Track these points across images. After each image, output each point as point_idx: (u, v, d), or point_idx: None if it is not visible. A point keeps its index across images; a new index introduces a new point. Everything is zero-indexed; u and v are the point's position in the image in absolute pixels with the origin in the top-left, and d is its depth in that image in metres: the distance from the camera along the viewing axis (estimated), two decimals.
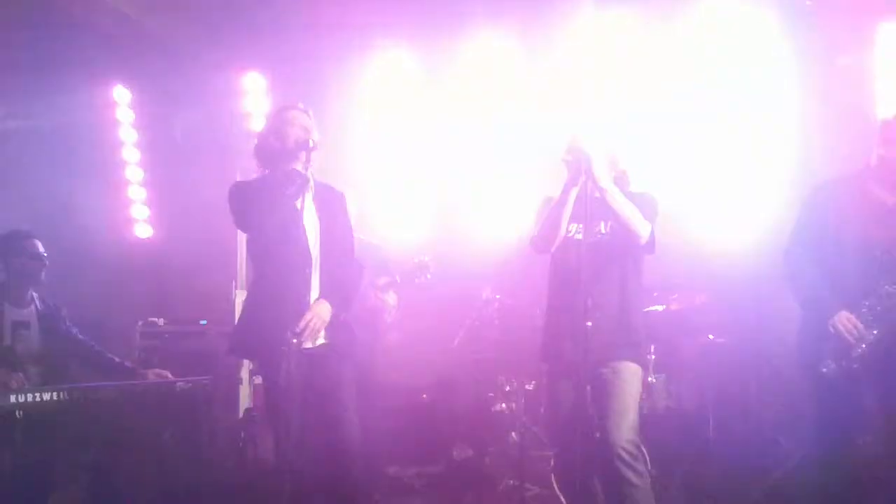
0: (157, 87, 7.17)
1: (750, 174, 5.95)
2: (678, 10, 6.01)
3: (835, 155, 4.95)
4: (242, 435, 6.18)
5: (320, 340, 3.80)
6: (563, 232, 3.75)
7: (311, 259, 3.78)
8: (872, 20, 5.67)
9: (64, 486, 4.71)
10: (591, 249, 3.50)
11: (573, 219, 3.74)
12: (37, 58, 6.86)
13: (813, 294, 3.88)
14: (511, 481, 5.45)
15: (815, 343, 3.84)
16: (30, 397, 3.90)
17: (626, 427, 3.62)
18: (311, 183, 3.85)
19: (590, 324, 3.34)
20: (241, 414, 6.48)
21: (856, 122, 5.20)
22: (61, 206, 7.86)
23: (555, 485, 4.80)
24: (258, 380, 6.76)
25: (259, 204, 3.77)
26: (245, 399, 6.77)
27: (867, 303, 3.77)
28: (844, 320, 3.75)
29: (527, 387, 5.42)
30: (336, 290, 3.84)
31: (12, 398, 3.84)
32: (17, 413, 3.82)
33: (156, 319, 6.72)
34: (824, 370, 3.78)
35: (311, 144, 3.72)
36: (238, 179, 4.29)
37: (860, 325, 3.75)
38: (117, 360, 4.91)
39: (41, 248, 4.75)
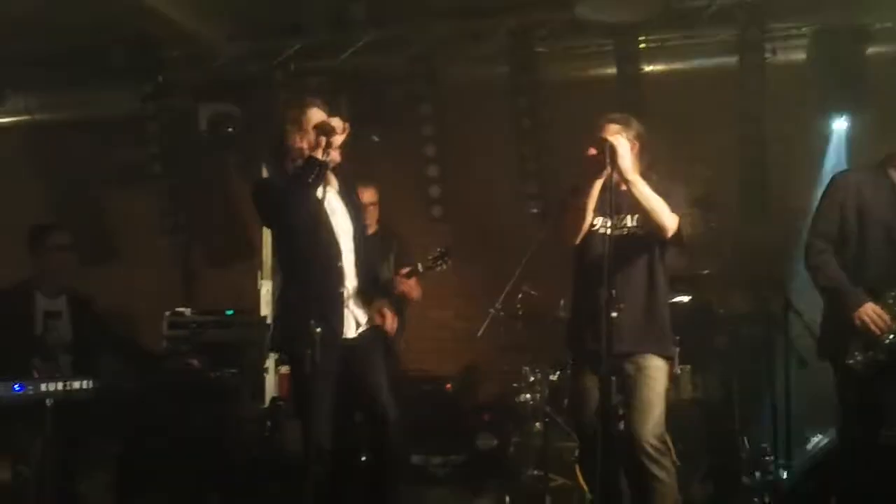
0: (184, 80, 7.21)
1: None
2: None
3: None
4: (268, 424, 6.25)
5: (362, 328, 3.85)
6: (588, 224, 3.73)
7: (340, 250, 3.80)
8: None
9: (93, 474, 4.80)
10: (618, 242, 3.50)
11: (599, 212, 3.72)
12: (70, 50, 6.95)
13: (837, 286, 3.85)
14: (534, 471, 5.46)
15: (841, 335, 3.81)
16: (60, 386, 3.95)
17: (651, 423, 3.62)
18: (334, 180, 3.88)
19: (615, 315, 3.31)
20: (267, 403, 6.55)
21: None
22: (92, 197, 8.00)
23: (578, 476, 4.81)
24: (284, 369, 6.84)
25: (282, 196, 3.76)
26: (271, 388, 6.85)
27: (893, 293, 3.75)
28: (870, 311, 3.72)
29: (551, 377, 5.43)
30: (371, 275, 3.92)
31: (43, 387, 3.90)
32: (47, 402, 3.87)
33: (183, 309, 6.79)
34: (850, 362, 3.76)
35: (331, 129, 3.70)
36: (263, 176, 4.30)
37: (886, 316, 3.72)
38: (146, 349, 4.98)
39: (68, 239, 4.81)
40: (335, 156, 3.75)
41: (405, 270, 5.01)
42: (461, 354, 7.15)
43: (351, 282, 3.81)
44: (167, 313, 6.79)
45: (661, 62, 6.48)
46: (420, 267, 5.07)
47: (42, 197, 7.88)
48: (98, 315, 4.96)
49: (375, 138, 6.13)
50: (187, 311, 6.80)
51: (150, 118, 7.16)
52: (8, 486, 4.08)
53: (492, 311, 5.36)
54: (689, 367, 5.20)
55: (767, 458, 4.94)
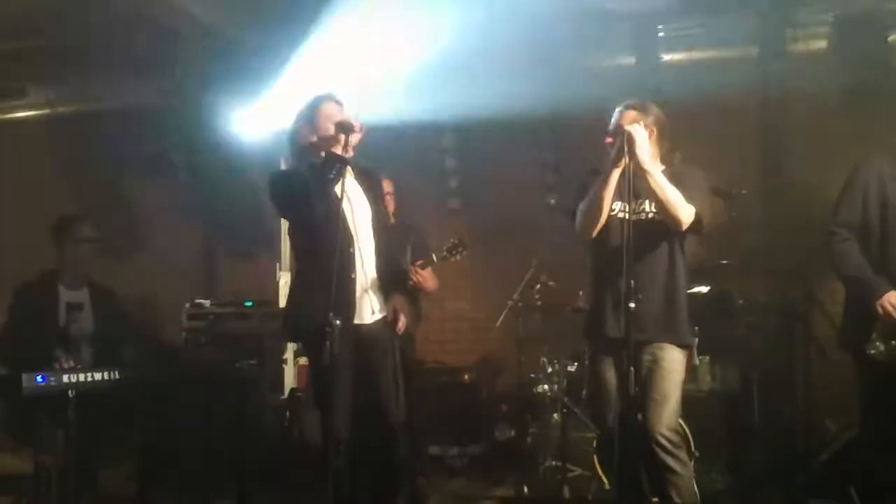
0: (201, 72, 7.22)
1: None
2: None
3: None
4: (288, 415, 6.30)
5: (377, 315, 3.87)
6: (606, 214, 3.69)
7: (354, 239, 3.82)
8: None
9: (114, 464, 4.85)
10: (636, 229, 3.45)
11: (617, 196, 3.68)
12: (90, 43, 6.98)
13: (859, 274, 3.82)
14: (552, 462, 5.46)
15: (862, 324, 3.77)
16: (82, 377, 3.99)
17: (666, 415, 3.59)
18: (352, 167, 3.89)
19: (633, 305, 3.29)
20: (286, 394, 6.58)
21: None
22: (113, 189, 8.05)
23: (597, 466, 4.81)
24: (303, 360, 6.87)
25: (301, 190, 3.78)
26: (290, 379, 6.88)
27: None
28: (894, 300, 3.69)
29: (569, 368, 5.42)
30: (390, 263, 3.96)
31: (65, 378, 3.94)
32: (69, 392, 3.91)
33: (203, 301, 6.82)
34: (872, 352, 3.72)
35: (351, 127, 3.73)
36: (279, 168, 4.32)
37: None
38: (167, 340, 5.01)
39: (93, 231, 4.84)
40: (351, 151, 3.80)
41: (419, 262, 5.01)
42: (479, 345, 7.16)
43: (370, 268, 3.86)
44: (187, 305, 6.83)
45: (680, 51, 6.42)
46: (435, 257, 5.07)
47: (63, 189, 7.94)
48: (120, 307, 5.01)
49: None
50: (207, 302, 6.84)
51: (170, 110, 7.18)
52: (31, 476, 4.13)
53: (510, 302, 5.34)
54: (707, 357, 5.17)
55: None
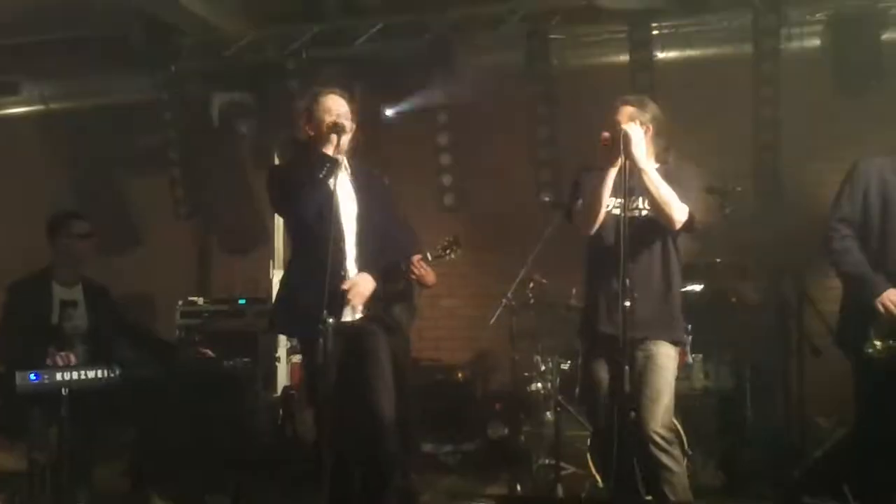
0: (196, 68, 7.22)
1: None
2: None
3: None
4: (281, 412, 6.30)
5: (359, 314, 3.84)
6: (602, 212, 3.69)
7: (343, 236, 3.81)
8: None
9: (107, 461, 4.84)
10: (630, 226, 3.44)
11: (613, 192, 3.67)
12: (84, 39, 6.97)
13: (859, 272, 3.81)
14: (546, 460, 5.47)
15: (860, 322, 3.78)
16: (76, 375, 3.98)
17: (659, 413, 3.60)
18: (346, 165, 3.89)
19: (628, 304, 3.30)
20: (279, 392, 6.58)
21: None
22: (107, 185, 8.03)
23: (591, 464, 4.82)
24: (296, 358, 6.87)
25: (294, 187, 3.81)
26: (283, 377, 6.88)
27: None
28: (894, 297, 3.69)
29: (562, 366, 5.42)
30: (375, 268, 3.88)
31: (59, 376, 3.93)
32: (63, 390, 3.90)
33: (196, 298, 6.83)
34: (869, 350, 3.72)
35: (343, 129, 3.73)
36: (276, 163, 4.32)
37: None
38: (162, 338, 5.00)
39: (87, 227, 4.82)
40: (347, 144, 3.81)
41: (418, 256, 5.00)
42: (472, 343, 7.17)
43: (351, 265, 3.84)
44: (180, 302, 6.84)
45: (674, 49, 6.44)
46: (430, 256, 5.05)
47: (57, 185, 7.93)
48: (114, 304, 4.98)
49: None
50: (200, 300, 6.85)
51: (165, 106, 7.17)
52: (24, 474, 4.12)
53: (504, 300, 5.34)
54: (700, 356, 5.18)
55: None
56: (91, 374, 4.04)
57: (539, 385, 5.48)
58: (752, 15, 6.08)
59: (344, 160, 3.89)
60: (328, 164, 3.71)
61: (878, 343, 3.71)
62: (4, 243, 7.30)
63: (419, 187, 6.76)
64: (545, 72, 6.51)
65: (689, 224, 3.65)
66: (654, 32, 6.29)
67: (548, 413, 5.63)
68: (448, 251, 4.91)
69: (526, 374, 5.59)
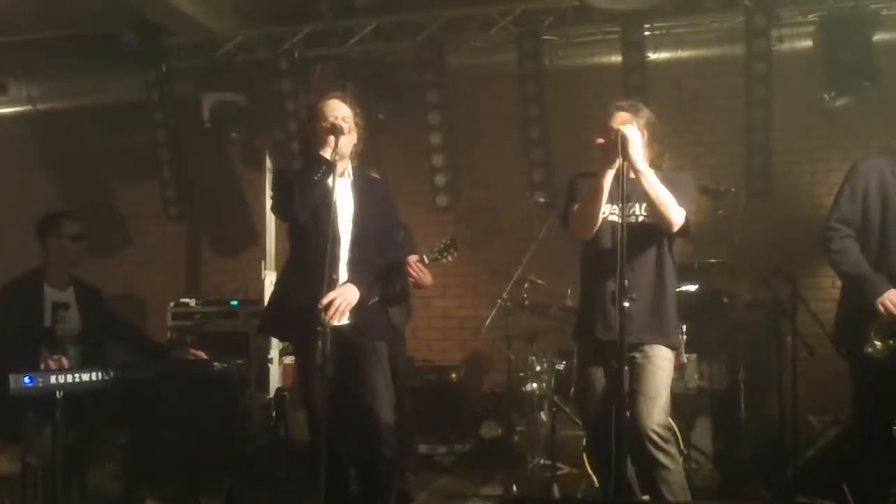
0: (187, 68, 7.18)
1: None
2: None
3: None
4: (273, 414, 6.28)
5: (345, 320, 3.80)
6: (599, 216, 3.68)
7: (338, 239, 3.79)
8: None
9: (101, 463, 4.81)
10: (627, 231, 3.44)
11: (608, 199, 3.66)
12: (72, 38, 6.93)
13: (860, 272, 3.82)
14: (541, 460, 5.47)
15: (859, 321, 3.78)
16: (70, 378, 3.94)
17: (656, 411, 3.60)
18: (349, 169, 3.89)
19: (627, 304, 3.30)
20: (271, 393, 6.57)
21: None
22: (96, 186, 7.99)
23: (586, 464, 4.82)
24: (288, 359, 6.85)
25: (290, 189, 3.79)
26: (276, 378, 6.86)
27: None
28: (894, 298, 3.69)
29: (557, 367, 5.42)
30: (367, 274, 3.84)
31: (53, 379, 3.89)
32: (57, 393, 3.86)
33: (187, 300, 6.80)
34: (869, 350, 3.73)
35: (340, 131, 3.71)
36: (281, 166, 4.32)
37: None
38: (155, 340, 4.96)
39: (79, 228, 4.78)
40: (345, 151, 3.80)
41: (415, 257, 4.98)
42: (465, 343, 7.18)
43: (343, 269, 3.81)
44: (171, 304, 6.81)
45: (666, 50, 6.46)
46: (426, 258, 5.03)
47: (46, 186, 7.88)
48: (106, 306, 4.94)
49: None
50: (192, 301, 6.82)
51: (155, 106, 7.13)
52: (17, 477, 4.08)
53: (499, 301, 5.33)
54: (695, 355, 5.19)
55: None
56: (85, 376, 3.97)
57: (534, 385, 5.48)
58: (743, 16, 6.10)
59: (346, 163, 3.88)
60: (323, 167, 3.70)
61: (878, 343, 3.71)
62: None
63: (412, 187, 6.76)
64: (538, 72, 6.50)
65: (686, 228, 3.64)
66: (647, 33, 6.29)
67: (542, 413, 5.64)
68: (446, 253, 4.90)
69: (521, 374, 5.58)
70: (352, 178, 3.93)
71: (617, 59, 6.37)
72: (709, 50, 6.45)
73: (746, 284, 5.56)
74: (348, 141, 3.80)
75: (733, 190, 4.91)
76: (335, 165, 3.73)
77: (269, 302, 4.16)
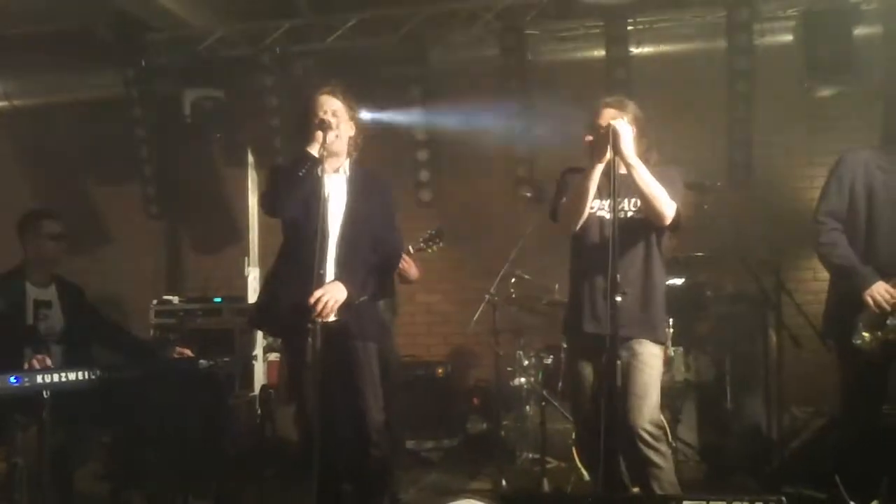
0: (167, 64, 7.11)
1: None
2: None
3: None
4: (259, 411, 6.24)
5: (333, 318, 3.74)
6: (587, 211, 3.69)
7: (326, 235, 3.77)
8: None
9: (87, 463, 4.76)
10: (616, 227, 3.45)
11: (597, 194, 3.69)
12: (50, 34, 6.83)
13: (848, 264, 3.84)
14: (530, 454, 5.48)
15: (848, 314, 3.81)
16: (57, 377, 3.89)
17: (646, 409, 3.61)
18: (345, 165, 3.86)
19: (619, 298, 3.30)
20: (256, 391, 6.53)
21: None
22: (75, 183, 7.89)
23: (576, 458, 4.84)
24: (272, 356, 6.82)
25: (278, 186, 3.80)
26: (260, 376, 6.82)
27: None
28: (882, 290, 3.72)
29: (545, 361, 5.43)
30: (357, 272, 3.80)
31: (40, 378, 3.84)
32: (44, 393, 3.81)
33: (171, 297, 6.74)
34: (858, 342, 3.76)
35: (328, 126, 3.68)
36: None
37: None
38: (140, 339, 4.92)
39: (61, 228, 4.73)
40: (338, 146, 3.78)
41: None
42: (448, 339, 7.18)
43: (331, 267, 3.77)
44: (154, 302, 6.74)
45: (649, 45, 6.48)
46: (411, 249, 5.02)
47: (22, 184, 7.78)
48: (90, 304, 4.89)
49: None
50: (175, 299, 6.76)
51: (134, 102, 7.05)
52: (3, 476, 4.03)
53: (487, 295, 5.33)
54: (681, 348, 5.23)
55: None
56: (72, 375, 3.92)
57: (522, 380, 5.48)
58: (725, 11, 6.13)
59: (340, 159, 3.85)
60: (308, 163, 3.67)
61: (866, 335, 3.75)
62: None
63: (395, 183, 6.69)
64: (521, 67, 6.50)
65: (677, 221, 3.66)
66: (629, 28, 6.31)
67: (528, 407, 5.65)
68: (432, 243, 4.88)
69: (509, 368, 5.59)
70: (347, 174, 3.89)
71: (600, 53, 6.39)
72: (690, 44, 6.48)
73: (730, 277, 5.61)
74: (339, 136, 3.77)
75: (719, 184, 4.96)
76: (322, 161, 3.70)
77: (259, 295, 4.12)
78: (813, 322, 4.50)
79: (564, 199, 3.77)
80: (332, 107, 3.80)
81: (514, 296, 5.55)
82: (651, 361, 3.70)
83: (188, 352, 4.73)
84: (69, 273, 4.92)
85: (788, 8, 6.18)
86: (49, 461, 3.92)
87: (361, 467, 3.83)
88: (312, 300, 3.57)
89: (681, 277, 5.28)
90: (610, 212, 3.53)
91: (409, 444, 5.91)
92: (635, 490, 3.80)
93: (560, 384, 5.19)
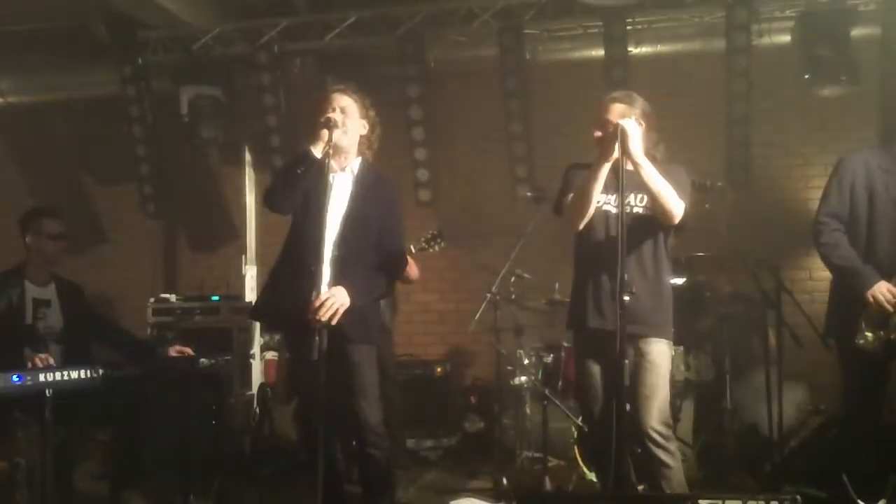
0: (164, 62, 7.08)
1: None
2: None
3: None
4: (257, 410, 6.23)
5: (333, 321, 3.71)
6: (592, 208, 3.66)
7: (323, 233, 3.73)
8: None
9: (86, 462, 4.74)
10: (623, 223, 3.44)
11: (603, 189, 3.65)
12: (46, 31, 6.79)
13: (850, 264, 3.86)
14: (530, 453, 5.49)
15: (849, 314, 3.83)
16: (59, 376, 3.87)
17: (655, 409, 3.60)
18: (353, 164, 3.84)
19: (627, 298, 3.29)
20: (254, 389, 6.51)
21: None
22: (76, 181, 7.85)
23: (578, 456, 4.85)
24: (269, 355, 6.81)
25: (279, 182, 3.80)
26: (258, 374, 6.81)
27: None
28: (885, 290, 3.74)
29: (545, 360, 5.44)
30: (358, 275, 3.73)
31: (42, 377, 3.82)
32: (47, 392, 3.80)
33: (168, 295, 6.72)
34: (860, 342, 3.78)
35: (333, 124, 3.65)
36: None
37: None
38: (139, 338, 4.90)
39: (62, 228, 4.71)
40: (345, 143, 3.76)
41: None
42: (447, 338, 7.18)
43: (327, 267, 3.72)
44: (151, 300, 6.72)
45: (647, 44, 6.50)
46: (413, 248, 5.01)
47: (18, 182, 7.74)
48: (89, 303, 4.88)
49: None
50: (172, 297, 6.74)
51: (131, 101, 7.02)
52: (4, 475, 4.02)
53: (488, 294, 5.33)
54: (681, 348, 5.24)
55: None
56: (74, 374, 3.92)
57: (523, 378, 5.48)
58: (723, 11, 6.15)
59: (348, 157, 3.83)
60: (307, 162, 3.65)
61: (868, 334, 3.77)
62: None
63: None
64: (519, 66, 6.50)
65: (685, 220, 3.64)
66: (628, 28, 6.32)
67: (528, 406, 5.65)
68: (433, 243, 4.87)
69: (509, 367, 5.59)
70: (354, 173, 3.85)
71: (599, 53, 6.39)
72: (689, 45, 6.49)
73: (729, 277, 5.62)
74: (348, 134, 3.75)
75: (720, 184, 4.97)
76: (323, 159, 3.65)
77: (263, 289, 4.10)
78: (812, 321, 4.52)
79: (570, 196, 3.75)
80: (342, 104, 3.78)
81: (513, 295, 5.55)
82: (659, 360, 3.67)
83: (189, 350, 4.73)
84: (64, 272, 4.90)
85: (786, 8, 6.21)
86: (52, 460, 3.91)
87: (361, 468, 3.82)
88: (317, 303, 3.54)
89: (682, 277, 5.28)
90: (616, 207, 3.51)
91: (409, 442, 5.90)
92: (640, 488, 3.80)
93: (560, 383, 5.19)
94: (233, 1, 6.94)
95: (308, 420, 3.88)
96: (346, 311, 3.62)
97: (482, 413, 6.34)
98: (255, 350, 6.78)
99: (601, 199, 3.70)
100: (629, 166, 3.53)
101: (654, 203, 3.59)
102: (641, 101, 3.75)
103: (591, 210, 3.68)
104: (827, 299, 4.14)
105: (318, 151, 3.65)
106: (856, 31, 6.00)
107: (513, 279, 5.50)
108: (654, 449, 3.57)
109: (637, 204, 3.71)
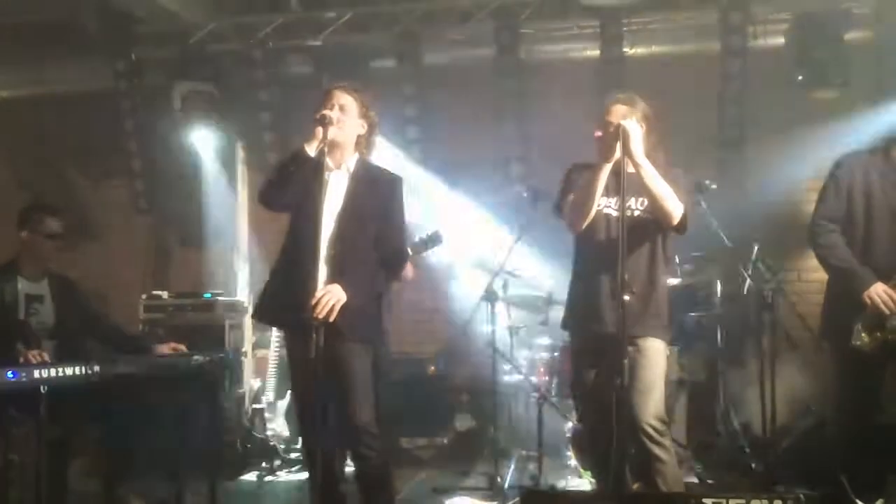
0: (157, 57, 7.04)
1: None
2: None
3: None
4: (250, 408, 6.23)
5: (331, 319, 3.67)
6: (594, 210, 3.68)
7: (318, 233, 3.71)
8: None
9: (83, 456, 4.71)
10: (623, 225, 3.45)
11: (604, 192, 3.67)
12: (38, 25, 6.74)
13: (847, 266, 3.89)
14: (524, 451, 5.49)
15: (846, 315, 3.85)
16: (55, 372, 3.85)
17: (651, 405, 3.61)
18: (350, 161, 3.81)
19: (627, 297, 3.30)
20: (245, 387, 6.50)
21: None
22: (67, 176, 7.80)
23: (573, 455, 4.85)
24: (261, 353, 6.77)
25: (273, 179, 3.77)
26: (250, 372, 6.78)
27: None
28: (881, 291, 3.76)
29: (539, 358, 5.44)
30: (356, 273, 3.71)
31: (37, 373, 3.80)
32: (41, 388, 3.77)
33: (160, 292, 6.68)
34: (857, 343, 3.80)
35: (328, 121, 3.62)
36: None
37: None
38: (133, 335, 4.87)
39: (61, 228, 4.67)
40: (341, 141, 3.74)
41: None
42: (437, 336, 7.16)
43: (322, 265, 3.68)
44: (143, 296, 6.68)
45: (642, 45, 6.51)
46: (409, 249, 4.99)
47: (11, 177, 7.69)
48: (83, 298, 4.84)
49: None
50: (164, 293, 6.70)
51: (124, 95, 6.98)
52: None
53: (483, 293, 5.32)
54: (675, 348, 5.25)
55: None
56: (69, 370, 3.89)
57: (517, 377, 5.49)
58: (718, 13, 6.17)
59: (345, 155, 3.80)
60: (299, 159, 3.63)
61: (865, 336, 3.79)
62: None
63: None
64: (515, 66, 6.51)
65: (684, 221, 3.65)
66: (625, 28, 6.33)
67: (521, 405, 5.66)
68: (430, 244, 4.86)
69: (504, 366, 5.59)
70: (351, 171, 3.82)
71: (594, 53, 6.41)
72: (684, 46, 6.51)
73: (723, 277, 5.64)
74: (344, 132, 3.73)
75: (714, 186, 4.99)
76: (317, 157, 3.62)
77: (263, 289, 4.08)
78: (807, 322, 4.54)
79: (571, 196, 3.76)
80: (340, 101, 3.75)
81: (508, 293, 5.55)
82: (656, 358, 3.70)
83: (182, 347, 4.71)
84: (57, 268, 4.87)
85: (781, 11, 6.24)
86: (46, 457, 3.89)
87: (356, 469, 3.81)
88: (314, 301, 3.52)
89: (674, 277, 5.30)
90: (617, 210, 3.53)
91: (403, 441, 5.90)
92: (635, 487, 3.81)
93: (555, 381, 5.20)
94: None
95: (303, 418, 3.87)
96: (343, 309, 3.60)
97: (476, 411, 6.35)
98: (248, 347, 6.75)
99: (602, 202, 3.72)
100: (630, 168, 3.53)
101: (655, 205, 3.61)
102: (643, 104, 3.76)
103: (593, 212, 3.69)
104: (818, 301, 4.17)
105: (311, 149, 3.62)
106: (850, 34, 6.04)
107: (506, 277, 5.50)
108: (649, 444, 3.58)
109: (637, 207, 3.72)
